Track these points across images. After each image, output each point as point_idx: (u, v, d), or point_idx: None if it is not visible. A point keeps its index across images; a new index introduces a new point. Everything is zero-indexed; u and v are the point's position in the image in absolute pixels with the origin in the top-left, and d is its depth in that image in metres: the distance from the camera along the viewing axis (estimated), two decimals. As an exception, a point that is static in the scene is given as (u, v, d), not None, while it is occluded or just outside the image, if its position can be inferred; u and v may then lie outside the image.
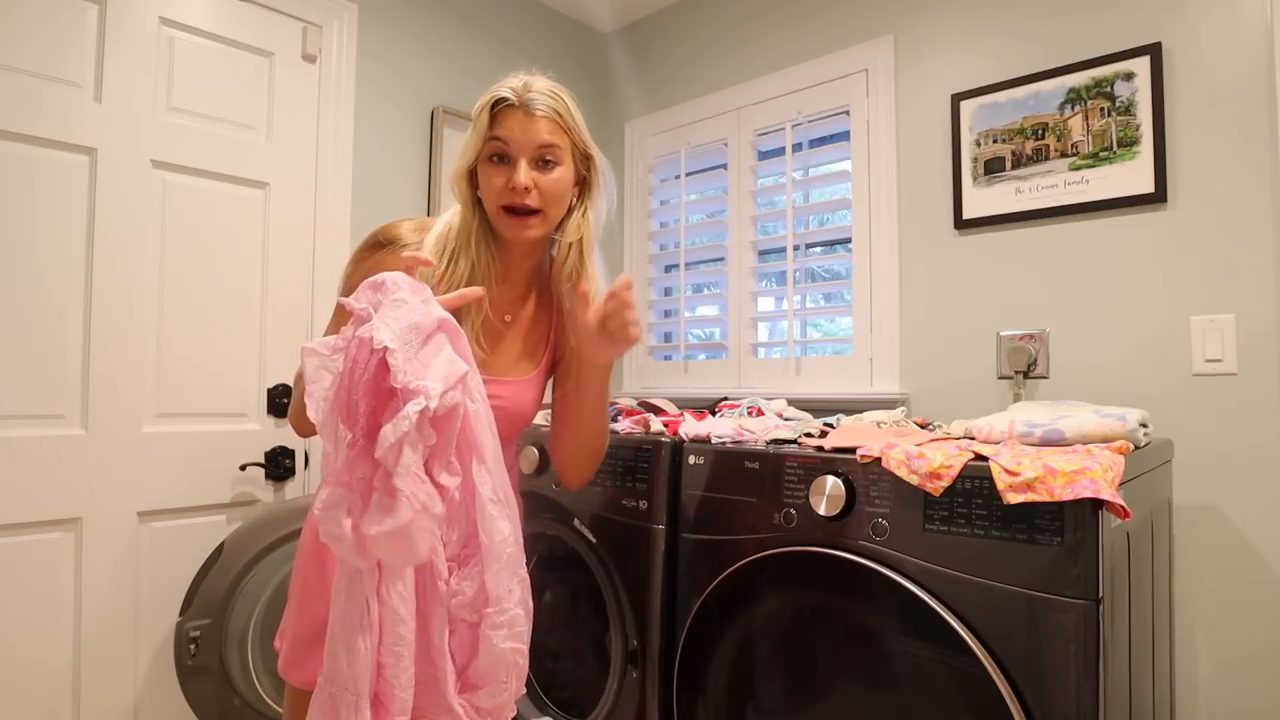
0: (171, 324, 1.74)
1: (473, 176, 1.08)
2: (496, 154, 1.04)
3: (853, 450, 1.23)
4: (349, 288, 1.09)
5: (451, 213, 1.11)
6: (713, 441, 1.45)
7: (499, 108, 1.04)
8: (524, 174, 1.03)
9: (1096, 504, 0.98)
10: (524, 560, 0.98)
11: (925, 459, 1.12)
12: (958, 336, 1.89)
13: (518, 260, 1.14)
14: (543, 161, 1.05)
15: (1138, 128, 1.64)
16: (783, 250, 2.25)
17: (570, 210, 1.12)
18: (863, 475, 1.20)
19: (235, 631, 1.64)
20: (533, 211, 1.05)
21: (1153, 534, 1.37)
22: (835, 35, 2.16)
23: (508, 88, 1.04)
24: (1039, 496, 1.00)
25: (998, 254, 1.84)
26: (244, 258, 1.86)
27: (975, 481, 1.08)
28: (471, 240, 1.07)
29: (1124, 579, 1.12)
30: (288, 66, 1.95)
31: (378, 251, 1.08)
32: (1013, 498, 1.02)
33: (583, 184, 1.13)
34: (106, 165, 1.65)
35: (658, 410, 1.83)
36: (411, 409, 0.78)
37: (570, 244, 1.12)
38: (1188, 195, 1.59)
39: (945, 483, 1.09)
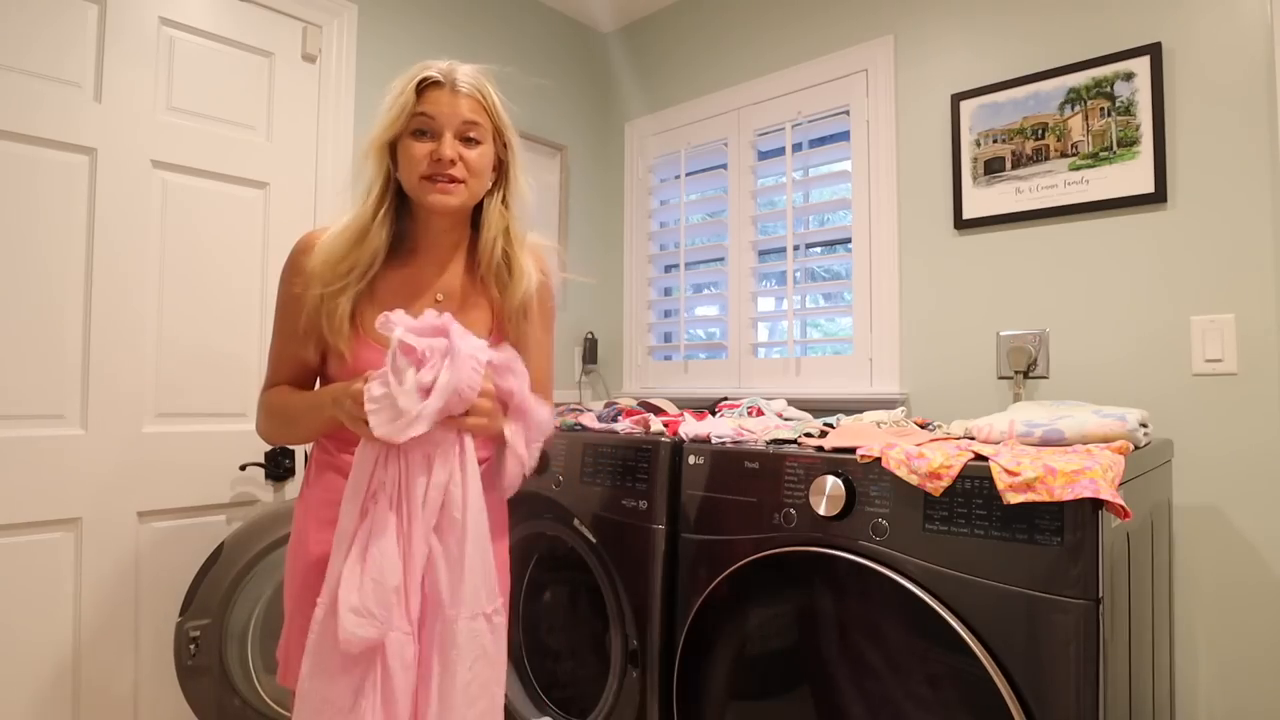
0: (171, 324, 1.74)
1: (388, 151, 1.09)
2: (421, 128, 1.07)
3: (853, 450, 1.23)
4: (282, 294, 1.11)
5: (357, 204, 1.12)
6: (713, 441, 1.45)
7: (425, 85, 1.07)
8: (450, 145, 1.05)
9: (1096, 504, 0.98)
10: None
11: (925, 459, 1.12)
12: (958, 336, 1.89)
13: (439, 236, 1.14)
14: (466, 138, 1.08)
15: (1138, 128, 1.64)
16: (783, 250, 2.25)
17: (490, 194, 1.15)
18: (863, 475, 1.20)
19: (235, 631, 1.64)
20: (456, 181, 1.08)
21: (1153, 534, 1.37)
22: (835, 35, 2.16)
23: (435, 69, 1.07)
24: (1039, 496, 1.00)
25: (998, 254, 1.84)
26: (244, 258, 1.86)
27: (975, 481, 1.08)
28: (380, 216, 1.08)
29: (1124, 579, 1.12)
30: (288, 66, 1.95)
31: (295, 255, 1.11)
32: (1013, 498, 1.02)
33: (500, 169, 1.15)
34: (106, 165, 1.65)
35: (658, 410, 1.83)
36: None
37: (494, 237, 1.14)
38: (1188, 195, 1.59)
39: (945, 483, 1.09)
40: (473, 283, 1.18)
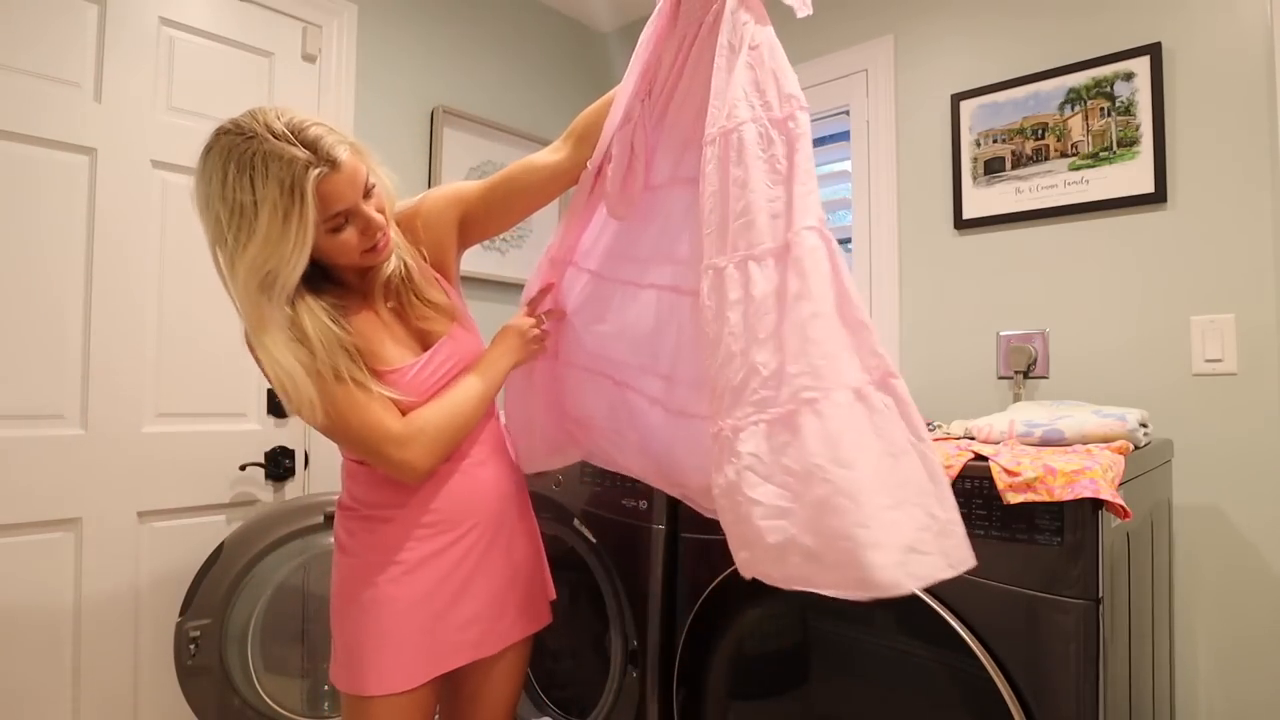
0: (171, 324, 1.74)
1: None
2: (336, 226, 0.99)
3: (853, 450, 1.22)
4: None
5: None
6: (713, 441, 1.45)
7: (319, 181, 0.93)
8: (373, 213, 1.00)
9: (1096, 504, 0.98)
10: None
11: (925, 459, 1.12)
12: (958, 336, 1.89)
13: (364, 275, 1.10)
14: (365, 192, 1.00)
15: (1138, 128, 1.64)
16: (783, 250, 2.24)
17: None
18: (863, 475, 1.19)
19: (235, 631, 1.64)
20: (385, 230, 1.03)
21: (1153, 534, 1.37)
22: (835, 35, 2.16)
23: (304, 163, 0.92)
24: (1039, 496, 1.00)
25: (998, 254, 1.84)
26: (244, 258, 1.86)
27: (975, 481, 1.08)
28: (319, 318, 1.02)
29: (1124, 579, 1.12)
30: (288, 66, 1.95)
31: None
32: (1013, 498, 1.02)
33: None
34: (106, 165, 1.65)
35: (658, 410, 1.83)
36: None
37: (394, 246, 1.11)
38: (1188, 195, 1.59)
39: (945, 483, 1.09)
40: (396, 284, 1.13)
